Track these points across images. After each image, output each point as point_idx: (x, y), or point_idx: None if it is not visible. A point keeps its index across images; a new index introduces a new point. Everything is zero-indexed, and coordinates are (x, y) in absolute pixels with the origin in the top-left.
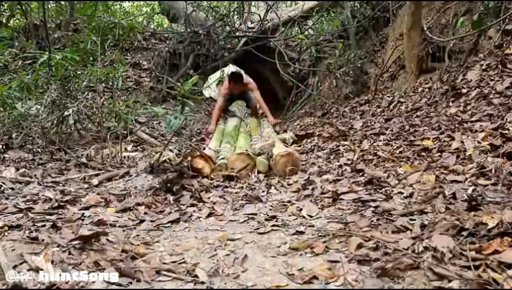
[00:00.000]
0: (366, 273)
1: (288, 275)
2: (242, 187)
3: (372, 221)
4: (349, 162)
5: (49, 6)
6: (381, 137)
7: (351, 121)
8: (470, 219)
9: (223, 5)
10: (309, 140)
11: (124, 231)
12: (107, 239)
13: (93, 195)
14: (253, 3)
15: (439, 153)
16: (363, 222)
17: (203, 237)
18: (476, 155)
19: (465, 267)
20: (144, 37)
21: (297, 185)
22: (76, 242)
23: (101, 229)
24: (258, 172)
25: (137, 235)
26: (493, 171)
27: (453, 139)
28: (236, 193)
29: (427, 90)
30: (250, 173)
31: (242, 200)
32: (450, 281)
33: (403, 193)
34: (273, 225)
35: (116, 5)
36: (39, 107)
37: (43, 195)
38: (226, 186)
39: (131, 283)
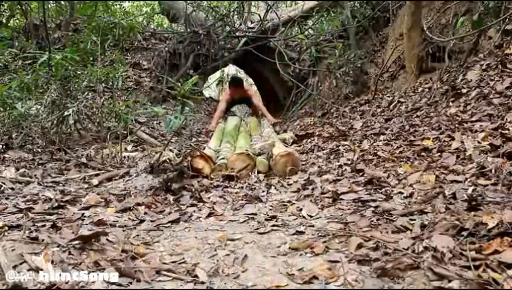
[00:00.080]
0: (366, 273)
1: (288, 275)
2: (242, 187)
3: (372, 221)
4: (349, 162)
5: (49, 6)
6: (381, 137)
7: (351, 121)
8: (470, 219)
9: (223, 5)
10: (309, 140)
11: (124, 231)
12: (107, 239)
13: (93, 195)
14: (253, 3)
15: (439, 153)
16: (363, 222)
17: (203, 237)
18: (476, 155)
19: (465, 267)
20: (144, 37)
21: (297, 185)
22: (76, 242)
23: (101, 229)
24: (258, 172)
25: (137, 235)
26: (493, 171)
27: (453, 139)
28: (236, 193)
29: (427, 90)
30: (250, 173)
31: (242, 200)
32: (450, 281)
33: (403, 193)
34: (273, 225)
35: (116, 5)
36: (39, 107)
37: (43, 195)
38: (226, 186)
39: (131, 283)
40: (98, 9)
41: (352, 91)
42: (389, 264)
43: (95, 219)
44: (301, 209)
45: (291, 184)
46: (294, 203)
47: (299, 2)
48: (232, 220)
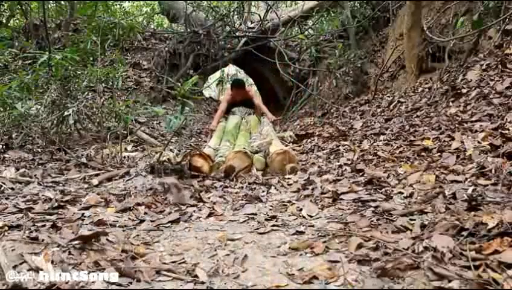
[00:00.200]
0: (366, 273)
1: (288, 275)
2: (242, 187)
3: (372, 221)
4: (349, 162)
5: (49, 6)
6: (381, 137)
7: (351, 121)
8: (470, 219)
9: (223, 5)
10: (309, 140)
11: (124, 231)
12: (107, 239)
13: (93, 195)
14: (253, 3)
15: (439, 153)
16: (363, 222)
17: (203, 237)
18: (476, 155)
19: (465, 267)
20: (144, 37)
21: (297, 185)
22: (76, 242)
23: (101, 229)
24: (257, 169)
25: (137, 235)
26: (493, 171)
27: (453, 139)
28: (236, 193)
29: (427, 90)
30: (250, 170)
31: (242, 200)
32: (450, 281)
33: (403, 193)
34: (273, 225)
35: (116, 5)
36: (39, 107)
37: (43, 195)
38: (226, 186)
39: (131, 283)
40: (98, 9)
41: (352, 91)
42: (389, 264)
43: (95, 219)
44: (301, 209)
45: (291, 184)
46: (294, 203)
47: (299, 2)
48: (232, 220)
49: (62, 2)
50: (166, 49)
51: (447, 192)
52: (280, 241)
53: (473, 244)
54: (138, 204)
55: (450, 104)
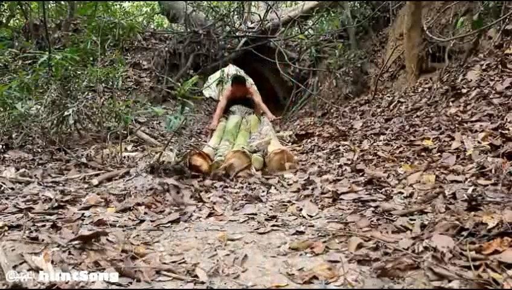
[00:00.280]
0: (366, 273)
1: (288, 275)
2: (242, 187)
3: (372, 221)
4: (349, 162)
5: (49, 6)
6: (381, 137)
7: (351, 121)
8: (470, 219)
9: (223, 5)
10: (309, 140)
11: (124, 231)
12: (107, 239)
13: (93, 195)
14: (253, 3)
15: (439, 153)
16: (363, 222)
17: (203, 237)
18: (476, 155)
19: (465, 267)
20: (144, 37)
21: (297, 185)
22: (76, 242)
23: (101, 229)
24: (255, 169)
25: (137, 235)
26: (493, 171)
27: (453, 139)
28: (236, 193)
29: (427, 90)
30: (249, 169)
31: (242, 200)
32: (450, 281)
33: (403, 193)
34: (273, 225)
35: (116, 5)
36: (39, 107)
37: (43, 195)
38: (226, 186)
39: (131, 283)
40: (98, 9)
41: (352, 91)
42: (389, 264)
43: (95, 219)
44: (301, 209)
45: (291, 184)
46: (294, 203)
47: (299, 2)
48: (232, 220)
49: (62, 2)
50: (166, 49)
51: (447, 192)
52: (280, 241)
53: (473, 244)
54: (138, 204)
55: (450, 104)
